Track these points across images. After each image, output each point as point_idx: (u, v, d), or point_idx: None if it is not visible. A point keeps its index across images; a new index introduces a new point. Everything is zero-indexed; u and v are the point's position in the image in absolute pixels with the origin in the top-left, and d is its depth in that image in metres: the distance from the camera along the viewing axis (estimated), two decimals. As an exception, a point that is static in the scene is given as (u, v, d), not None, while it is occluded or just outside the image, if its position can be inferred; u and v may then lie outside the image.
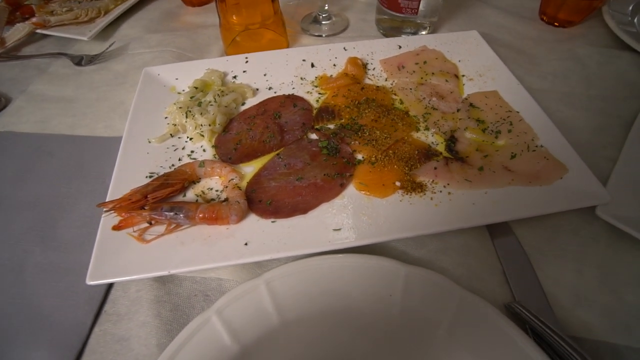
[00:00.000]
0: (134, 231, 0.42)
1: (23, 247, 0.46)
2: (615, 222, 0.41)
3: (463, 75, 0.61)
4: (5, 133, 0.59)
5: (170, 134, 0.53)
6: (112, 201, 0.43)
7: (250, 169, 0.50)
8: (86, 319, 0.40)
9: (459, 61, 0.63)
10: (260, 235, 0.41)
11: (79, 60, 0.71)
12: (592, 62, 0.64)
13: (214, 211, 0.42)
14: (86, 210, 0.49)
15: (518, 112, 0.53)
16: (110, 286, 0.42)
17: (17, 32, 0.74)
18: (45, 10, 0.76)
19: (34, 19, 0.75)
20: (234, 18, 0.63)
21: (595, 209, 0.42)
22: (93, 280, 0.38)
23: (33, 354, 0.38)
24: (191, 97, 0.56)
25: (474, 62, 0.62)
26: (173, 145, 0.53)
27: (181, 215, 0.42)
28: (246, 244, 0.40)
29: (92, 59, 0.71)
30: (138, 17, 0.81)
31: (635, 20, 0.69)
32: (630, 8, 0.71)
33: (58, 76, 0.69)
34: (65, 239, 0.47)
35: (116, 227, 0.43)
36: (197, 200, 0.46)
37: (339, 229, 0.41)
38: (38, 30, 0.75)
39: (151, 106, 0.57)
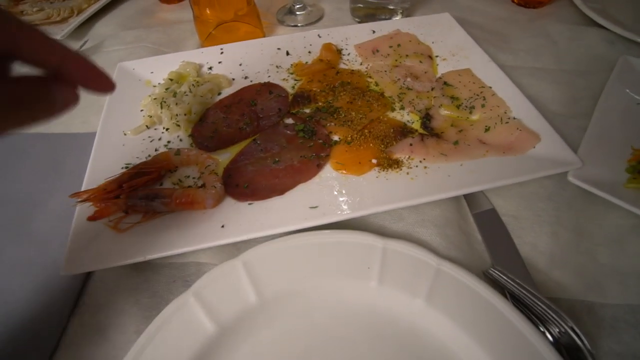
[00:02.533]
0: (109, 221, 0.42)
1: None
2: (587, 186, 0.42)
3: (437, 56, 0.61)
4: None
5: (147, 126, 0.52)
6: (86, 191, 0.42)
7: (227, 155, 0.49)
8: (63, 312, 0.39)
9: (433, 43, 0.63)
10: (237, 218, 0.41)
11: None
12: (562, 38, 0.65)
13: (189, 195, 0.41)
14: (61, 205, 0.48)
15: (490, 87, 0.54)
16: (87, 278, 0.41)
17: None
18: (14, 11, 0.74)
19: (3, 21, 0.73)
20: (207, 12, 0.63)
21: (567, 174, 0.42)
22: (68, 271, 0.37)
23: (9, 349, 0.37)
24: (166, 89, 0.55)
25: (447, 43, 0.62)
26: (149, 137, 0.52)
27: (157, 202, 0.41)
28: (223, 226, 0.40)
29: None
30: (112, 15, 0.80)
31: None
32: (596, -15, 0.72)
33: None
34: (40, 234, 0.45)
35: (91, 218, 0.41)
36: (173, 188, 0.45)
37: (316, 207, 0.41)
38: (8, 32, 0.73)
39: (126, 100, 0.56)
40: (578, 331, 0.32)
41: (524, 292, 0.36)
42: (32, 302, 0.40)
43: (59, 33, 0.71)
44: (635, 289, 0.37)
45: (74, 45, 0.72)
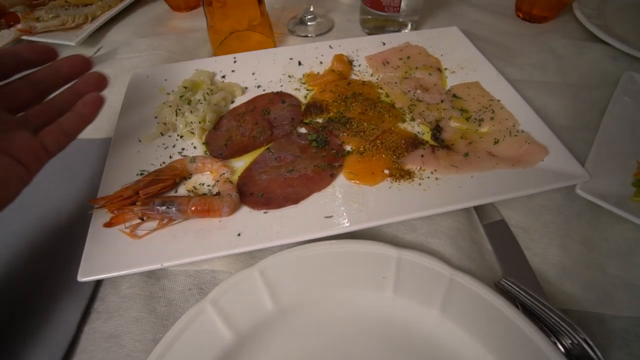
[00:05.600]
0: (125, 227, 0.42)
1: (10, 251, 0.45)
2: (594, 199, 0.42)
3: (445, 69, 0.62)
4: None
5: (161, 133, 0.53)
6: (103, 198, 0.43)
7: (241, 163, 0.50)
8: (74, 318, 0.39)
9: (442, 55, 0.64)
10: (252, 226, 0.41)
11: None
12: (567, 53, 0.67)
13: (206, 203, 0.41)
14: (75, 212, 0.48)
15: (499, 100, 0.55)
16: (98, 284, 0.41)
17: (2, 39, 0.73)
18: (31, 17, 0.75)
19: (19, 26, 0.74)
20: (222, 21, 0.64)
21: (575, 188, 0.43)
22: (84, 276, 0.37)
23: (21, 356, 0.36)
24: (181, 97, 0.56)
25: (456, 55, 0.63)
26: (163, 144, 0.52)
27: (173, 209, 0.41)
28: (239, 234, 0.40)
29: (79, 65, 0.71)
30: (126, 22, 0.81)
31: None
32: (596, 6, 0.74)
33: (44, 81, 0.68)
34: (54, 241, 0.45)
35: (107, 224, 0.42)
36: (189, 195, 0.45)
37: (331, 216, 0.41)
38: (24, 37, 0.74)
39: (140, 106, 0.57)
40: (591, 343, 0.32)
41: (535, 303, 0.36)
42: (43, 309, 0.40)
43: (73, 39, 0.72)
44: (645, 301, 0.37)
45: (88, 51, 0.73)
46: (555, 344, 0.34)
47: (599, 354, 0.32)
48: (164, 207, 0.41)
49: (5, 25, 0.76)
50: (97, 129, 0.58)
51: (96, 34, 0.77)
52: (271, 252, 0.39)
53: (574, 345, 0.33)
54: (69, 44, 0.72)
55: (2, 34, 0.74)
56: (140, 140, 0.52)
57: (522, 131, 0.50)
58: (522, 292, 0.37)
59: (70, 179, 0.52)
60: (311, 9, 0.76)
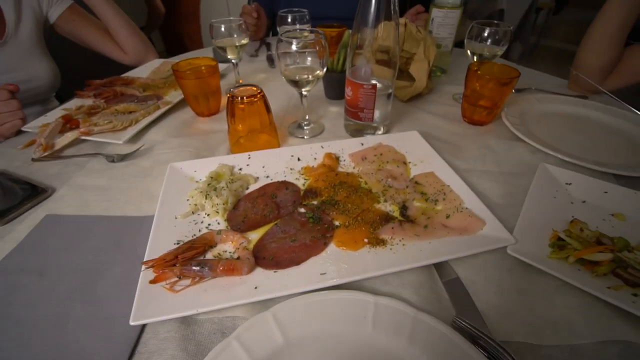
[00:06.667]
0: (166, 284, 0.54)
1: (66, 305, 0.56)
2: (521, 257, 0.57)
3: (409, 162, 0.82)
4: (51, 216, 0.73)
5: (192, 212, 0.69)
6: (151, 260, 0.56)
7: (255, 235, 0.65)
8: (122, 358, 0.49)
9: (406, 152, 0.85)
10: (265, 281, 0.54)
11: (112, 159, 0.89)
12: (500, 149, 0.89)
13: (231, 264, 0.55)
14: (121, 273, 0.60)
15: (449, 185, 0.73)
16: (141, 331, 0.52)
17: (66, 139, 0.93)
18: (90, 122, 0.97)
19: (82, 129, 0.94)
20: (240, 127, 0.85)
21: (507, 249, 0.58)
22: (135, 321, 0.49)
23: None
24: (208, 184, 0.73)
25: (417, 152, 0.84)
26: (194, 220, 0.67)
27: (206, 269, 0.55)
28: (256, 287, 0.53)
29: (123, 158, 0.89)
30: (161, 125, 1.03)
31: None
32: (518, 114, 1.01)
33: (94, 170, 0.86)
34: (104, 296, 0.57)
35: (153, 281, 0.54)
36: (217, 258, 0.59)
37: (325, 273, 0.55)
38: (83, 137, 0.95)
39: (175, 192, 0.73)
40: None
41: (482, 335, 0.48)
42: (95, 351, 0.49)
43: (121, 138, 0.92)
44: (563, 333, 0.50)
45: (133, 148, 0.92)
46: (497, 367, 0.45)
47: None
48: (199, 267, 0.55)
49: (68, 129, 0.97)
50: (138, 209, 0.74)
51: (138, 134, 0.98)
52: (280, 300, 0.51)
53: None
54: (117, 143, 0.92)
55: (67, 135, 0.94)
56: (176, 217, 0.67)
57: (466, 208, 0.67)
58: (471, 327, 0.49)
59: (116, 248, 0.65)
60: (307, 117, 1.00)
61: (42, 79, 1.29)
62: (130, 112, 1.06)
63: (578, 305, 0.53)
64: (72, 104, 1.14)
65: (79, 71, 1.50)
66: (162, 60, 1.52)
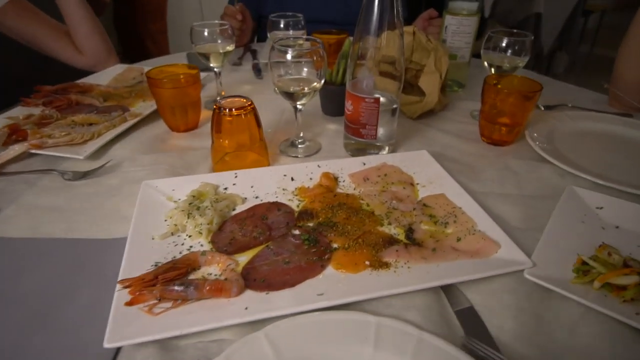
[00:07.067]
0: (144, 306, 0.66)
1: (26, 333, 0.66)
2: (539, 281, 0.70)
3: (417, 183, 0.97)
4: (-6, 240, 0.84)
5: (172, 233, 0.81)
6: (128, 279, 0.68)
7: (243, 258, 0.77)
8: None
9: (414, 173, 1.00)
10: (257, 303, 0.66)
11: (69, 176, 1.02)
12: (522, 170, 1.05)
13: (219, 284, 0.67)
14: (89, 298, 0.71)
15: (460, 207, 0.88)
16: (115, 356, 0.62)
17: (11, 152, 1.06)
18: (42, 134, 1.11)
19: (33, 141, 1.08)
20: (227, 142, 1.00)
21: (524, 273, 0.71)
22: (110, 343, 0.59)
23: None
24: (190, 204, 0.86)
25: (426, 173, 1.00)
26: (173, 242, 0.80)
27: (191, 288, 0.66)
28: (246, 308, 0.65)
29: (83, 175, 1.03)
30: (128, 140, 1.19)
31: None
32: (545, 133, 1.18)
33: (48, 189, 0.99)
34: (69, 323, 0.67)
35: (128, 303, 0.66)
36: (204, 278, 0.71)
37: (322, 294, 0.67)
38: (32, 150, 1.08)
39: (151, 212, 0.86)
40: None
41: (493, 358, 0.60)
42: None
43: (81, 153, 1.06)
44: (585, 361, 0.62)
45: (95, 164, 1.06)
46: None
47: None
48: (182, 287, 0.67)
49: (13, 141, 1.11)
50: (104, 230, 0.86)
51: (101, 150, 1.12)
52: (273, 321, 0.63)
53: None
54: (77, 158, 1.06)
55: (13, 147, 1.08)
56: (153, 238, 0.80)
57: (479, 230, 0.81)
58: (482, 349, 0.61)
59: (82, 272, 0.76)
60: (301, 134, 1.16)
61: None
62: (91, 124, 1.21)
63: (603, 332, 0.65)
64: (17, 112, 1.29)
65: (11, 75, 1.64)
66: (125, 65, 1.71)
